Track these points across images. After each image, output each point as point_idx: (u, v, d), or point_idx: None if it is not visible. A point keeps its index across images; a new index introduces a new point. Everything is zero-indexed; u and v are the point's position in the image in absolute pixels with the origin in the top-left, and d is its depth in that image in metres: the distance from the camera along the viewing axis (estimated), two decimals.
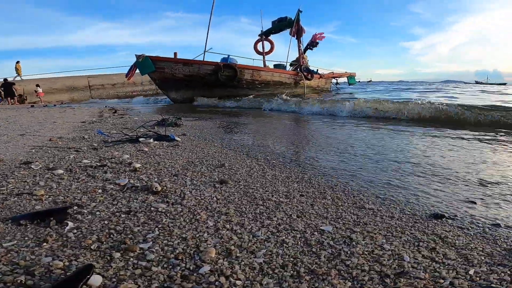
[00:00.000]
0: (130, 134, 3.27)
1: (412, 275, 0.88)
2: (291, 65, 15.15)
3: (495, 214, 1.33)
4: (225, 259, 0.95)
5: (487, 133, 3.49)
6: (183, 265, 0.92)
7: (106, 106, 10.27)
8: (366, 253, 1.00)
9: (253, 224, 1.19)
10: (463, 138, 3.17)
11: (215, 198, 1.46)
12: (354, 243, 1.06)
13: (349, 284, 0.84)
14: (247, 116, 6.12)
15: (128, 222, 1.20)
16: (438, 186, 1.66)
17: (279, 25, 14.59)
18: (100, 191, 1.54)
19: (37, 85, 16.82)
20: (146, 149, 2.54)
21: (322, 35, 15.50)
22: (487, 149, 2.62)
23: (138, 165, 1.99)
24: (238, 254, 0.98)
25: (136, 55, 10.55)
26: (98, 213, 1.28)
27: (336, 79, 18.59)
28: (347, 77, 19.00)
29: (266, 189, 1.60)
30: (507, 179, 1.79)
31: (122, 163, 2.08)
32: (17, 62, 17.71)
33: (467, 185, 1.68)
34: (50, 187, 1.59)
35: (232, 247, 1.01)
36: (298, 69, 14.07)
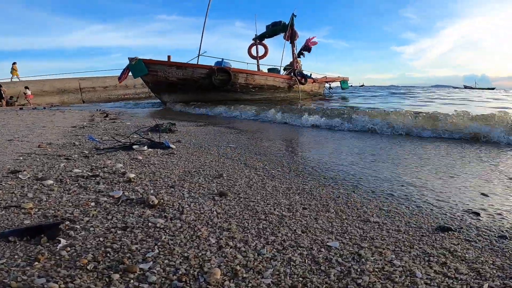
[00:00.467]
0: (122, 140, 3.19)
1: None
2: (285, 69, 15.18)
3: (500, 225, 1.31)
4: (232, 280, 0.90)
5: None
6: None
7: (98, 110, 10.08)
8: (377, 270, 0.97)
9: (257, 241, 1.14)
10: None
11: (215, 212, 1.40)
12: (363, 259, 1.02)
13: None
14: (240, 123, 6.08)
15: (125, 239, 1.13)
16: (440, 197, 1.65)
17: (273, 29, 14.61)
18: (93, 204, 1.47)
19: (26, 87, 16.44)
20: (140, 157, 2.46)
21: (314, 39, 15.51)
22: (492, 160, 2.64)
23: (132, 175, 1.91)
24: (244, 275, 0.92)
25: (129, 58, 10.40)
26: (92, 229, 1.21)
27: (329, 84, 18.70)
28: (340, 81, 19.11)
29: (268, 201, 1.55)
30: (507, 189, 1.78)
31: (116, 173, 2.00)
32: (14, 63, 17.49)
33: (468, 196, 1.67)
34: (40, 200, 1.51)
35: (238, 267, 0.96)
36: (292, 74, 14.10)
